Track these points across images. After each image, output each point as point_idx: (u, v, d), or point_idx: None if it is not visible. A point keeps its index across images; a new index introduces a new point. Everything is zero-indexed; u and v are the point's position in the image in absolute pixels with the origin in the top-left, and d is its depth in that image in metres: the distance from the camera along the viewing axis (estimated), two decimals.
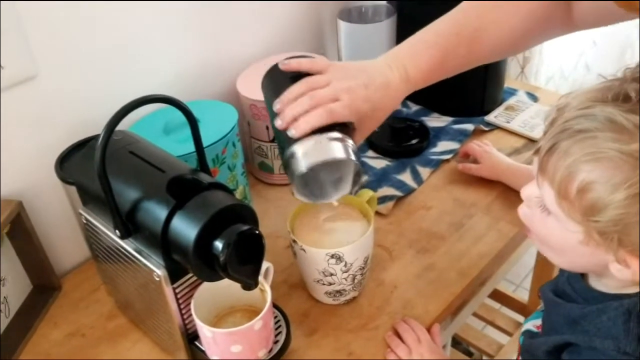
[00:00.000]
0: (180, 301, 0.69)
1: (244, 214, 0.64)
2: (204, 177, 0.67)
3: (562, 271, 0.68)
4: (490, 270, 0.88)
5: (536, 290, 1.31)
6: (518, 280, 1.72)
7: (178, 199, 0.63)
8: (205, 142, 0.84)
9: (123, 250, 0.69)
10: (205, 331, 0.66)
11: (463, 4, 0.75)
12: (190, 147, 0.83)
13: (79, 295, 0.87)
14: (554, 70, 1.75)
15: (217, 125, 0.88)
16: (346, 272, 0.76)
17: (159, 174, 0.66)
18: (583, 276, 0.64)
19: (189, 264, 0.62)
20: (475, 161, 1.00)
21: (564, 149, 0.53)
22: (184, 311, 0.70)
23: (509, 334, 1.34)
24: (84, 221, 0.75)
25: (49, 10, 0.77)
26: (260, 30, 1.06)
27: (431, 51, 0.72)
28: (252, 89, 0.96)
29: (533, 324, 0.74)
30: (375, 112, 0.69)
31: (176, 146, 0.83)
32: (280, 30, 1.09)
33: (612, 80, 0.56)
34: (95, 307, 0.85)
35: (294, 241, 0.76)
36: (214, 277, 0.64)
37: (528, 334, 0.73)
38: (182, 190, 0.64)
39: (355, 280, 0.78)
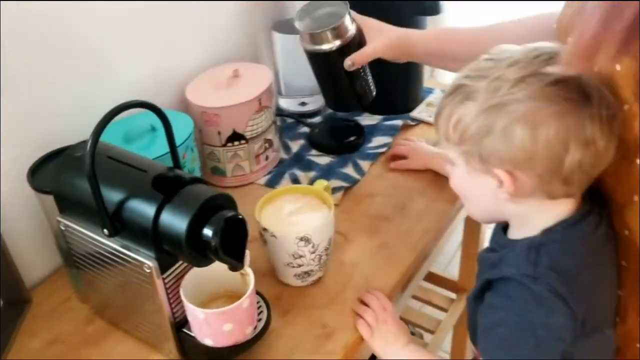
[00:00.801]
0: (169, 291, 0.74)
1: (225, 202, 0.71)
2: (184, 174, 0.73)
3: (491, 237, 0.80)
4: (432, 244, 0.99)
5: (465, 268, 1.46)
6: (447, 261, 1.88)
7: (165, 193, 0.69)
8: (166, 148, 0.90)
9: (109, 249, 0.74)
10: (197, 314, 0.72)
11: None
12: (155, 152, 0.89)
13: (51, 307, 0.89)
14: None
15: (175, 132, 0.93)
16: (314, 252, 0.84)
17: (142, 174, 0.71)
18: (504, 231, 0.76)
19: (182, 252, 0.68)
20: (404, 157, 1.11)
21: (442, 106, 0.70)
22: (172, 300, 0.75)
23: (445, 310, 1.47)
24: (63, 228, 0.78)
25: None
26: (204, 42, 1.13)
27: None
28: (202, 98, 1.02)
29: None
30: None
31: (140, 153, 0.87)
32: (221, 42, 1.16)
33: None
34: (70, 315, 0.87)
35: (265, 229, 0.83)
36: (204, 263, 0.70)
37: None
38: (167, 186, 0.70)
39: (322, 261, 0.86)
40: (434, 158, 1.08)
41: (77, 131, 0.83)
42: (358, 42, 0.96)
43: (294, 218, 0.86)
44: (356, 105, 1.07)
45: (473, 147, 0.67)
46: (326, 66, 0.99)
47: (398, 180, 1.08)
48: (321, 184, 0.91)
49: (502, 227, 0.76)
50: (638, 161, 0.64)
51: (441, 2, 1.13)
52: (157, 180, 0.70)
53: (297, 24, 0.96)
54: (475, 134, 0.66)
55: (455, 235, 1.21)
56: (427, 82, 1.37)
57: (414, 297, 1.49)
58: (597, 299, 0.70)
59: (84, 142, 0.78)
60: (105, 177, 0.71)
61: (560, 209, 0.69)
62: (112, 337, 0.84)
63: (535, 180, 0.66)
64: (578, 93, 0.63)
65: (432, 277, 1.52)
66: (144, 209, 0.69)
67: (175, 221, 0.67)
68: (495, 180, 0.68)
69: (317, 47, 0.95)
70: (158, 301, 0.74)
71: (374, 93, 1.06)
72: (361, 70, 1.00)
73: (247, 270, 0.75)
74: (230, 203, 0.72)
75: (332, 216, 0.85)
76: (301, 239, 0.82)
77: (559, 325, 0.66)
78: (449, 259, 1.90)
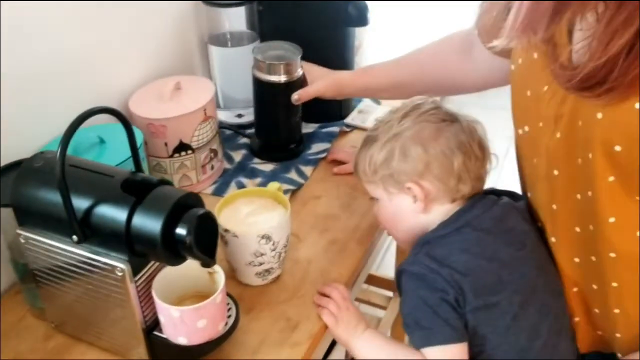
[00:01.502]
0: (140, 294, 0.75)
1: (192, 202, 0.73)
2: (150, 177, 0.75)
3: None
4: (377, 237, 1.06)
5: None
6: (378, 260, 1.96)
7: (135, 196, 0.70)
8: (119, 159, 0.91)
9: (76, 257, 0.74)
10: (172, 312, 0.73)
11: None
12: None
13: (6, 327, 0.86)
14: None
15: (125, 144, 0.95)
16: (274, 250, 0.88)
17: (109, 179, 0.73)
18: None
19: (156, 252, 0.70)
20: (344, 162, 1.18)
21: (357, 160, 0.91)
22: (143, 303, 0.76)
23: (384, 308, 1.54)
24: (23, 241, 0.77)
25: None
26: (140, 57, 1.14)
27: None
28: (147, 110, 1.04)
29: None
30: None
31: None
32: (159, 56, 1.18)
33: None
34: (28, 333, 0.85)
35: (226, 230, 0.86)
36: (177, 261, 0.73)
37: None
38: (136, 189, 0.71)
39: (281, 258, 0.90)
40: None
41: (24, 146, 0.83)
42: (301, 83, 1.13)
43: (252, 219, 0.90)
44: (285, 139, 1.20)
45: (385, 172, 0.85)
46: (272, 96, 1.14)
47: (340, 182, 1.14)
48: (274, 186, 0.95)
49: None
50: None
51: (368, 14, 1.22)
52: (126, 184, 0.72)
53: (256, 55, 1.11)
54: (384, 162, 0.85)
55: (384, 236, 1.28)
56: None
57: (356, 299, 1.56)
58: (476, 270, 0.80)
59: (42, 154, 0.78)
60: (72, 185, 0.72)
61: (442, 212, 0.85)
62: (76, 350, 0.83)
63: (436, 184, 0.83)
64: (446, 116, 0.86)
65: (369, 279, 1.59)
66: (115, 212, 0.70)
67: (149, 222, 0.69)
68: (409, 196, 0.85)
69: (270, 78, 1.11)
70: (130, 305, 0.75)
71: (300, 134, 1.23)
72: (299, 108, 1.16)
73: (216, 267, 0.78)
74: (199, 202, 0.74)
75: (289, 214, 0.89)
76: (262, 237, 0.86)
77: (440, 289, 0.78)
78: (378, 261, 1.98)
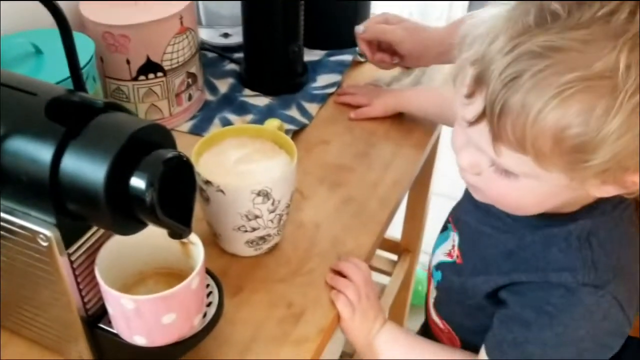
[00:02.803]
0: (77, 271, 0.51)
1: (158, 139, 0.48)
2: (94, 97, 0.50)
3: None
4: (403, 197, 0.82)
5: (410, 227, 1.32)
6: None
7: (68, 125, 0.45)
8: (60, 76, 0.66)
9: None
10: (124, 303, 0.49)
11: None
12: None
13: None
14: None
15: None
16: (273, 212, 0.64)
17: (29, 98, 0.47)
18: None
19: (98, 213, 0.45)
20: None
21: (518, 105, 0.44)
22: (82, 285, 0.52)
23: (389, 274, 1.33)
24: None
25: None
26: None
27: None
28: (104, 14, 0.77)
29: (443, 252, 0.69)
30: None
31: None
32: None
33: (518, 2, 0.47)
34: None
35: (207, 182, 0.61)
36: (131, 229, 0.48)
37: (446, 267, 0.68)
38: (70, 115, 0.46)
39: (281, 222, 0.67)
40: (401, 98, 0.89)
41: None
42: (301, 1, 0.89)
43: (244, 167, 0.65)
44: (283, 68, 0.94)
45: (607, 165, 0.44)
46: (264, 14, 0.89)
47: (355, 124, 0.89)
48: (273, 123, 0.70)
49: None
50: None
51: None
52: (53, 106, 0.46)
53: None
54: (618, 150, 0.43)
55: None
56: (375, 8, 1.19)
57: None
58: None
59: None
60: None
61: None
62: None
63: None
64: None
65: None
66: (37, 149, 0.45)
67: (87, 166, 0.44)
68: (597, 184, 0.48)
69: None
70: (61, 288, 0.51)
71: (303, 62, 0.97)
72: (300, 30, 0.92)
73: (193, 237, 0.54)
74: (167, 139, 0.49)
75: (295, 164, 0.65)
76: (258, 194, 0.61)
77: (610, 332, 0.53)
78: None
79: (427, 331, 0.75)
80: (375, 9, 1.10)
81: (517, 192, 0.51)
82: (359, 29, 0.90)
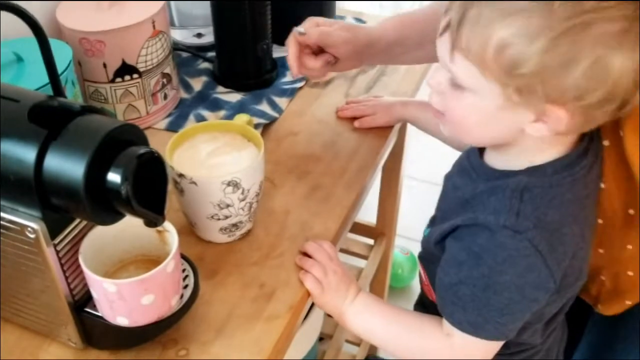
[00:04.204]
0: (63, 261, 0.56)
1: (132, 137, 0.54)
2: (72, 102, 0.55)
3: (463, 157, 0.69)
4: (369, 182, 0.88)
5: (384, 210, 1.37)
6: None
7: (49, 128, 0.50)
8: (40, 82, 0.71)
9: None
10: (107, 287, 0.54)
11: None
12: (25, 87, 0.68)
13: None
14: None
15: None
16: (243, 200, 0.69)
17: (12, 105, 0.52)
18: (481, 152, 0.66)
19: (79, 206, 0.50)
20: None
21: (474, 15, 0.52)
22: (68, 273, 0.57)
23: (365, 258, 1.38)
24: None
25: None
26: None
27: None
28: (80, 21, 0.82)
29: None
30: None
31: None
32: None
33: None
34: None
35: (181, 175, 0.66)
36: (109, 219, 0.53)
37: (430, 220, 0.74)
38: (50, 118, 0.51)
39: (252, 209, 0.72)
40: (405, 108, 0.91)
41: None
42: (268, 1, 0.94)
43: (215, 160, 0.70)
44: (253, 65, 0.98)
45: (531, 81, 0.51)
46: (234, 15, 0.92)
47: (322, 116, 0.95)
48: (242, 118, 0.76)
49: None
50: None
51: None
52: (35, 111, 0.51)
53: None
54: (542, 68, 0.50)
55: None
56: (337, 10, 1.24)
57: None
58: (577, 253, 0.62)
59: None
60: None
61: (555, 141, 0.58)
62: None
63: (592, 109, 0.53)
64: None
65: None
66: (21, 150, 0.50)
67: (68, 164, 0.49)
68: (530, 114, 0.54)
69: None
70: (49, 276, 0.56)
71: (272, 58, 1.01)
72: (268, 29, 0.96)
73: (167, 225, 0.59)
74: (139, 137, 0.55)
75: (263, 154, 0.70)
76: (228, 184, 0.67)
77: (534, 285, 0.58)
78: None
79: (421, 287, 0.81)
80: (341, 6, 1.16)
81: (460, 109, 0.59)
82: (299, 30, 0.82)
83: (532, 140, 0.58)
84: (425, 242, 0.72)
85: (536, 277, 0.58)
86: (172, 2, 1.06)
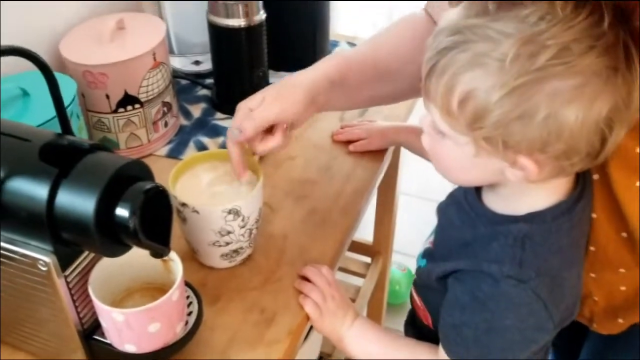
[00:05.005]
0: (73, 291, 0.58)
1: (138, 172, 0.56)
2: (80, 140, 0.57)
3: (458, 190, 0.72)
4: (364, 205, 0.91)
5: (380, 229, 1.40)
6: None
7: (59, 166, 0.53)
8: (46, 116, 0.73)
9: None
10: (115, 316, 0.57)
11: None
12: (32, 122, 0.71)
13: None
14: (348, 31, 1.85)
15: None
16: (244, 227, 0.72)
17: (25, 144, 0.55)
18: (477, 190, 0.67)
19: (89, 240, 0.53)
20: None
21: (441, 67, 0.55)
22: (77, 302, 0.59)
23: (362, 276, 1.41)
24: None
25: None
26: None
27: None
28: (83, 54, 0.84)
29: (430, 241, 0.78)
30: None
31: None
32: None
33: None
34: None
35: (183, 204, 0.69)
36: (118, 251, 0.56)
37: (426, 252, 0.77)
38: (60, 156, 0.54)
39: (252, 235, 0.74)
40: (398, 133, 0.95)
41: None
42: (263, 28, 0.97)
43: (216, 188, 0.73)
44: (250, 92, 0.91)
45: (494, 133, 0.53)
46: (231, 44, 0.96)
47: (318, 140, 0.98)
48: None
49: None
50: None
51: None
52: (46, 150, 0.54)
53: None
54: (500, 121, 0.52)
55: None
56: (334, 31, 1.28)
57: None
58: (573, 292, 0.65)
59: None
60: None
61: (553, 187, 0.61)
62: None
63: (559, 160, 0.55)
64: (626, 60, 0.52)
65: None
66: (33, 188, 0.52)
67: (78, 200, 0.52)
68: (505, 162, 0.57)
69: (228, 22, 0.93)
70: (59, 306, 0.58)
71: (268, 85, 1.00)
72: (264, 56, 0.99)
73: (172, 255, 0.61)
74: (145, 172, 0.57)
75: (262, 183, 0.73)
76: (229, 212, 0.69)
77: (535, 328, 0.60)
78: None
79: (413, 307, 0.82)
80: (335, 31, 1.19)
81: (443, 153, 0.61)
82: (234, 132, 0.72)
83: (527, 185, 0.59)
84: (423, 275, 0.73)
85: (536, 320, 0.60)
86: (171, 31, 1.09)
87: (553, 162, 0.55)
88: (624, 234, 0.66)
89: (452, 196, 0.71)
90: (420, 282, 0.76)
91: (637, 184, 0.60)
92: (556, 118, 0.51)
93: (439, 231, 0.73)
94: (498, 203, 0.64)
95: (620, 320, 0.74)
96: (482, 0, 0.54)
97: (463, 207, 0.68)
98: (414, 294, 0.78)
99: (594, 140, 0.53)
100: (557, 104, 0.51)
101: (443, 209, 0.72)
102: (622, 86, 0.51)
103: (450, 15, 0.57)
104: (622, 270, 0.69)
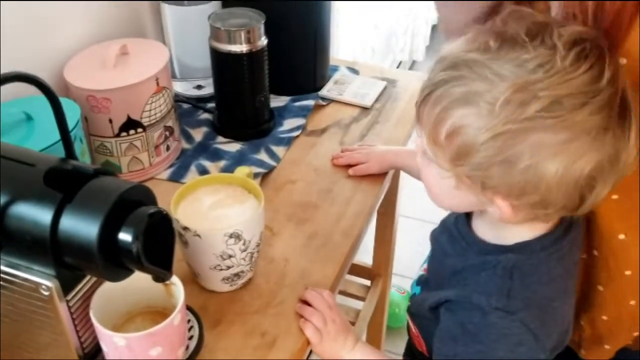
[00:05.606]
0: (75, 315, 0.58)
1: (141, 197, 0.57)
2: (84, 165, 0.58)
3: (450, 213, 0.72)
4: (365, 227, 0.91)
5: (380, 252, 1.40)
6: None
7: (63, 191, 0.53)
8: (50, 140, 0.74)
9: None
10: (116, 340, 0.57)
11: None
12: (36, 146, 0.72)
13: None
14: (348, 56, 1.87)
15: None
16: (245, 250, 0.72)
17: (29, 169, 0.55)
18: (468, 216, 0.68)
19: (93, 264, 0.53)
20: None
21: (435, 97, 0.56)
22: (78, 327, 0.59)
23: (362, 299, 1.41)
24: None
25: None
26: (81, 17, 0.95)
27: None
28: (87, 79, 0.86)
29: (424, 269, 0.78)
30: None
31: None
32: (102, 15, 0.99)
33: (479, 30, 0.57)
34: None
35: (185, 228, 0.70)
36: (121, 275, 0.56)
37: (420, 280, 0.77)
38: (64, 181, 0.54)
39: (253, 259, 0.75)
40: (398, 157, 0.96)
41: None
42: (265, 54, 0.98)
43: (218, 212, 0.73)
44: (251, 116, 1.03)
45: (474, 173, 0.55)
46: (233, 70, 0.97)
47: (318, 164, 0.99)
48: (243, 171, 0.79)
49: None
50: None
51: None
52: (51, 175, 0.55)
53: (213, 22, 0.95)
54: (482, 163, 0.53)
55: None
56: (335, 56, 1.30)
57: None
58: (565, 321, 0.65)
59: None
60: None
61: (535, 223, 0.61)
62: None
63: (534, 209, 0.56)
64: (619, 118, 0.53)
65: None
66: (37, 213, 0.53)
67: (82, 225, 0.52)
68: (485, 199, 0.57)
69: (230, 47, 0.95)
70: (61, 330, 0.58)
71: (269, 109, 1.06)
72: (266, 81, 1.01)
73: (174, 279, 0.62)
74: (148, 197, 0.58)
75: (262, 207, 0.73)
76: (230, 236, 0.70)
77: (526, 356, 0.60)
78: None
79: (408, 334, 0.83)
80: (335, 56, 1.21)
81: (430, 177, 0.62)
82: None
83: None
84: (417, 303, 0.74)
85: (527, 350, 0.60)
86: (173, 56, 1.10)
87: (528, 209, 0.56)
88: (596, 252, 0.67)
89: (443, 223, 0.72)
90: (414, 309, 0.76)
91: None
92: (536, 169, 0.52)
93: (432, 259, 0.74)
94: (487, 232, 0.65)
95: (607, 347, 0.74)
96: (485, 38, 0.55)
97: (454, 236, 0.68)
98: (409, 321, 0.78)
99: (573, 196, 0.54)
100: (539, 156, 0.51)
101: (436, 237, 0.73)
102: (610, 146, 0.52)
103: (452, 45, 0.58)
104: (599, 287, 0.69)
